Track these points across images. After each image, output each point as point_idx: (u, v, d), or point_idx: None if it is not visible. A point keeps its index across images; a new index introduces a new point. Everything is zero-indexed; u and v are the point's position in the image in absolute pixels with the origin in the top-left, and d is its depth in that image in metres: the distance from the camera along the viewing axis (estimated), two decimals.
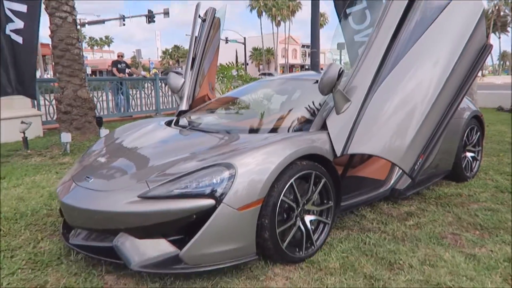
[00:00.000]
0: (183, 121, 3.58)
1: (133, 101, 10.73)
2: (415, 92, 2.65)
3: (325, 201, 2.68)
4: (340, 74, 2.54)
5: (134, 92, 10.84)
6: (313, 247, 2.58)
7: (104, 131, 6.59)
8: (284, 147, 2.44)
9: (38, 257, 2.63)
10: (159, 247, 2.25)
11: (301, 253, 2.51)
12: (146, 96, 11.04)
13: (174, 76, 3.98)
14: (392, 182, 3.39)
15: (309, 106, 3.13)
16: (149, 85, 11.33)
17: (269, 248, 2.35)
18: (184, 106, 4.01)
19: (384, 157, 2.66)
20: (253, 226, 2.28)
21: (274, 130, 2.96)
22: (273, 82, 4.32)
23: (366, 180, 3.42)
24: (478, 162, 4.47)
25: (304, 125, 2.90)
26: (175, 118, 3.74)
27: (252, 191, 2.24)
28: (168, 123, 3.56)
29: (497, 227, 3.05)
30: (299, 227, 2.52)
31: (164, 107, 11.52)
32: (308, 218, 2.58)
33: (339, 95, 2.62)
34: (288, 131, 2.88)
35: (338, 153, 2.64)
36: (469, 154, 4.33)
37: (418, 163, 2.68)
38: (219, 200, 2.17)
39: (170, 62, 67.04)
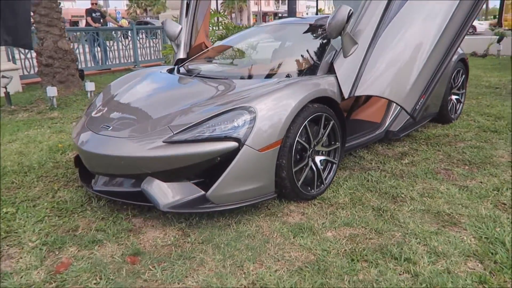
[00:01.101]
0: (186, 68, 3.60)
1: (110, 53, 10.38)
2: (418, 35, 2.76)
3: (333, 142, 2.85)
4: (349, 17, 2.61)
5: (111, 43, 10.46)
6: (323, 185, 2.79)
7: (89, 85, 6.46)
8: (298, 90, 2.56)
9: (61, 205, 2.73)
10: (185, 189, 2.39)
11: (313, 191, 2.71)
12: (124, 47, 10.69)
13: (170, 23, 3.93)
14: (386, 124, 3.59)
15: (312, 51, 3.22)
16: (126, 36, 10.94)
17: (286, 186, 2.53)
18: (181, 54, 4.00)
19: (389, 98, 2.82)
20: (272, 166, 2.43)
21: (283, 75, 3.05)
22: (271, 28, 4.33)
23: (364, 123, 3.60)
24: (461, 104, 4.73)
25: (311, 69, 3.00)
26: (175, 67, 3.74)
27: (271, 133, 2.37)
28: (170, 71, 3.58)
29: (484, 162, 3.34)
30: (311, 167, 2.69)
31: (143, 59, 11.23)
32: (318, 159, 2.76)
33: (347, 38, 2.71)
34: (298, 75, 2.98)
35: (346, 95, 2.78)
36: (454, 97, 4.57)
37: (419, 103, 2.85)
38: (242, 142, 2.30)
39: (138, 11, 63.83)
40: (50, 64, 6.61)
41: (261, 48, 3.83)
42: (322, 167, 2.79)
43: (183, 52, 4.04)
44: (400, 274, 1.96)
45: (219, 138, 2.31)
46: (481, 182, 2.96)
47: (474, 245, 2.16)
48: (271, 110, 2.40)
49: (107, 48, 10.29)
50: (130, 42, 10.85)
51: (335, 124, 2.79)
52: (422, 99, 2.85)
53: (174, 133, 2.36)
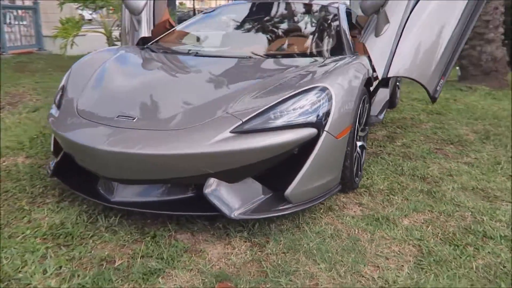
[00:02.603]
0: (173, 49, 3.01)
1: None
2: (442, 16, 2.78)
3: (366, 127, 2.71)
4: None
5: None
6: (360, 173, 2.62)
7: None
8: (359, 70, 2.35)
9: (55, 231, 1.97)
10: (253, 190, 1.96)
11: (357, 179, 2.52)
12: None
13: None
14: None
15: (331, 30, 3.03)
16: None
17: (347, 176, 2.29)
18: (144, 32, 3.35)
19: (416, 79, 2.78)
20: (343, 154, 2.17)
21: (317, 54, 2.81)
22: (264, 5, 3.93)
23: None
24: (399, 90, 5.10)
25: (339, 48, 2.78)
26: (144, 47, 3.09)
27: (345, 116, 2.11)
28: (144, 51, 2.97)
29: (460, 140, 3.60)
30: (357, 153, 2.49)
31: (13, 45, 9.25)
32: (358, 144, 2.57)
33: (383, 16, 2.58)
34: (331, 55, 2.74)
35: (380, 76, 2.65)
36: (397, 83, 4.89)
37: (440, 84, 2.90)
38: (322, 128, 1.97)
39: None
40: None
41: (266, 26, 3.40)
42: (360, 153, 2.62)
43: (147, 29, 3.38)
44: None
45: (298, 125, 1.92)
46: (476, 158, 3.17)
47: None
48: (343, 91, 2.13)
49: None
50: None
51: (367, 107, 2.64)
52: (442, 80, 2.91)
53: (243, 120, 1.88)
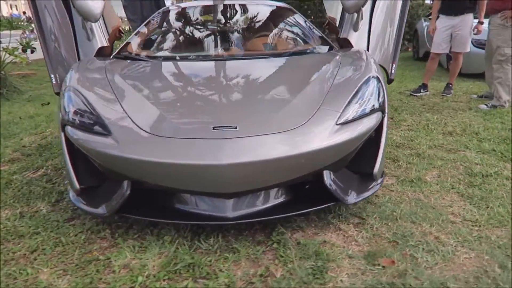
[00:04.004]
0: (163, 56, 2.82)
1: None
2: (388, 13, 3.33)
3: None
4: None
5: None
6: None
7: None
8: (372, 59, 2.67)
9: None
10: (347, 175, 2.11)
11: None
12: None
13: None
14: None
15: (309, 28, 3.27)
16: None
17: None
18: (101, 41, 3.00)
19: (382, 65, 3.27)
20: None
21: (320, 50, 2.98)
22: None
23: None
24: None
25: (328, 44, 3.05)
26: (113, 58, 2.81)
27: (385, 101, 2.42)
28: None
29: (463, 129, 3.75)
30: None
31: None
32: None
33: (361, 13, 2.98)
34: (328, 50, 2.97)
35: None
36: None
37: (393, 68, 3.47)
38: (384, 112, 2.25)
39: None
40: None
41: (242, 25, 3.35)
42: None
43: (103, 37, 3.03)
44: None
45: (373, 110, 2.15)
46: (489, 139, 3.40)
47: None
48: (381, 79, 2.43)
49: None
50: None
51: None
52: (394, 64, 3.48)
53: (341, 112, 2.01)
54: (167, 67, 2.71)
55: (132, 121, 1.95)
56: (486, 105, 4.35)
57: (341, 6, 3.08)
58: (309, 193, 2.02)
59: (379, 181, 2.20)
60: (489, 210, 2.22)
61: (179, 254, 1.82)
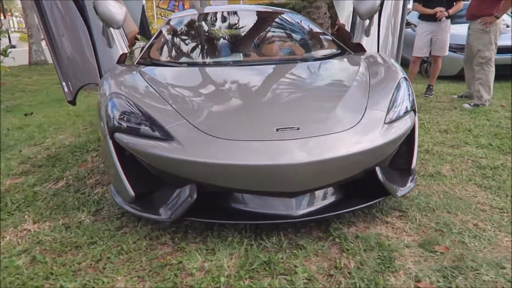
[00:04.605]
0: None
1: None
2: (391, 17, 3.54)
3: None
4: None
5: None
6: None
7: None
8: None
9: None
10: (389, 171, 2.25)
11: None
12: None
13: (111, 4, 2.78)
14: None
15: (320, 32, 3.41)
16: None
17: None
18: (122, 48, 2.99)
19: None
20: None
21: (340, 54, 3.11)
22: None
23: None
24: None
25: (337, 49, 3.20)
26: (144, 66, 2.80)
27: None
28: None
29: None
30: None
31: None
32: None
33: (373, 19, 3.16)
34: (348, 53, 3.13)
35: None
36: None
37: None
38: (415, 110, 2.42)
39: None
40: None
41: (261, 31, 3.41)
42: None
43: (123, 44, 3.01)
44: None
45: (407, 111, 2.32)
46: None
47: None
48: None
49: None
50: None
51: None
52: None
53: (386, 111, 2.15)
54: (206, 72, 2.75)
55: (193, 125, 1.99)
56: (469, 104, 4.71)
57: (353, 12, 3.24)
58: (358, 189, 2.14)
59: (415, 175, 2.37)
60: (510, 198, 2.45)
61: (251, 254, 1.88)
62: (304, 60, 2.92)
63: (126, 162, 2.10)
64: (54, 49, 3.09)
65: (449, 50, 6.10)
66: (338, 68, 2.83)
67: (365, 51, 3.20)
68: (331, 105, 2.22)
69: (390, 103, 2.25)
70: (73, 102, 3.22)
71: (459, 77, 6.14)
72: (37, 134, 4.21)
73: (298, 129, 1.96)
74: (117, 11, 2.78)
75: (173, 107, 2.12)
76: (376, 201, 2.12)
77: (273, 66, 2.79)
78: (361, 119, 2.10)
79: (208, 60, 3.02)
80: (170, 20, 3.56)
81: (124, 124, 2.10)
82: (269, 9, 3.93)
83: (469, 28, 4.72)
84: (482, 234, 2.05)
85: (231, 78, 2.63)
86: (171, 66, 2.83)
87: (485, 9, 4.42)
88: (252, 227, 2.08)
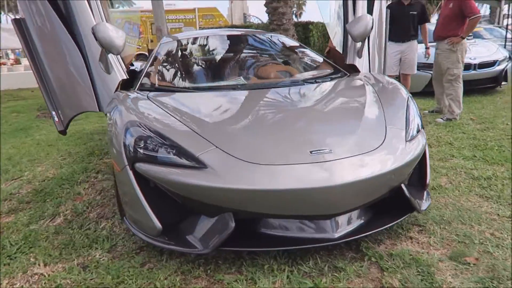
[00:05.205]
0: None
1: None
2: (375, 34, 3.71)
3: None
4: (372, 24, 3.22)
5: None
6: None
7: None
8: None
9: None
10: (409, 188, 2.31)
11: None
12: None
13: (107, 27, 2.68)
14: None
15: (314, 54, 3.48)
16: None
17: None
18: (121, 74, 2.91)
19: None
20: None
21: (340, 75, 3.17)
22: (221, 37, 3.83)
23: None
24: None
25: (334, 70, 3.28)
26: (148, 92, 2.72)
27: None
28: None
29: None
30: None
31: None
32: None
33: (364, 42, 3.29)
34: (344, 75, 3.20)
35: None
36: None
37: None
38: (422, 128, 2.52)
39: None
40: None
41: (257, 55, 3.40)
42: None
43: (121, 70, 2.92)
44: None
45: (418, 129, 2.41)
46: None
47: None
48: None
49: None
50: None
51: None
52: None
53: (406, 130, 2.22)
54: (220, 96, 2.69)
55: (225, 151, 1.93)
56: (442, 118, 4.98)
57: (345, 35, 3.36)
58: (385, 207, 2.17)
59: (427, 190, 2.45)
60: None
61: (294, 280, 1.83)
62: (310, 81, 2.96)
63: (148, 194, 2.00)
64: (41, 75, 2.92)
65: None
66: (347, 88, 2.89)
67: (359, 71, 3.31)
68: (354, 125, 2.26)
69: (406, 121, 2.33)
70: (63, 132, 3.04)
71: (424, 93, 6.51)
72: (10, 167, 3.91)
73: (330, 151, 1.97)
74: (117, 35, 2.69)
75: (197, 133, 2.06)
76: (404, 217, 2.16)
77: (286, 88, 2.79)
78: (385, 138, 2.15)
79: (215, 84, 2.98)
80: (161, 44, 3.50)
81: (146, 153, 2.00)
82: (259, 31, 3.99)
83: (437, 48, 5.04)
84: (503, 243, 2.14)
85: (247, 101, 2.60)
86: (178, 91, 2.75)
87: (451, 30, 4.76)
88: (285, 252, 2.04)
